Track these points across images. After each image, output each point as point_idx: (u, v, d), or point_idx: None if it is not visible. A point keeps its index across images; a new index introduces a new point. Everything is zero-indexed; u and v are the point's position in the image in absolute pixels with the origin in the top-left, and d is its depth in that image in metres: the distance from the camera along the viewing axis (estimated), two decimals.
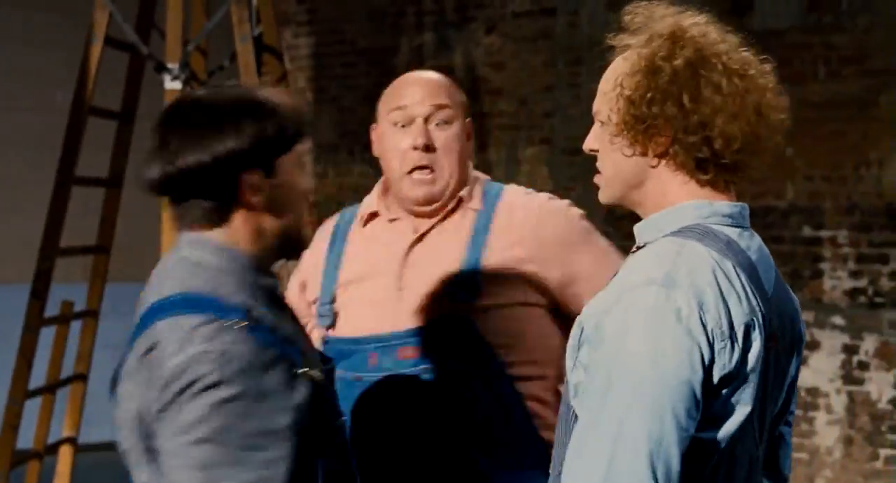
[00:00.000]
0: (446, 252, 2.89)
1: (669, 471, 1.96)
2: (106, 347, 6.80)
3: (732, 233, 2.17)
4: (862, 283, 7.36)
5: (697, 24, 2.31)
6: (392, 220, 2.98)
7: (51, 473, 6.70)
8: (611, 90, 2.24)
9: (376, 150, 3.01)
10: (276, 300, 2.33)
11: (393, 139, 2.91)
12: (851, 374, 7.39)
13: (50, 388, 6.34)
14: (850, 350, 7.41)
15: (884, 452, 7.28)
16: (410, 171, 2.89)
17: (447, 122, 2.92)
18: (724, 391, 2.05)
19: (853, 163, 7.32)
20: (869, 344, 7.34)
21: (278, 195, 2.28)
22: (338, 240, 3.01)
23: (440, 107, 2.91)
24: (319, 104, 9.63)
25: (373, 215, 3.02)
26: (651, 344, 1.98)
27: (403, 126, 2.90)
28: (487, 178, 3.07)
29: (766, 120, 2.21)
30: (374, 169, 9.25)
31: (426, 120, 2.89)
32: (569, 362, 2.14)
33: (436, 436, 2.82)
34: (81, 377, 6.59)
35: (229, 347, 2.11)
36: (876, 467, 7.32)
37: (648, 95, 2.16)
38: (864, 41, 7.30)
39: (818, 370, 7.45)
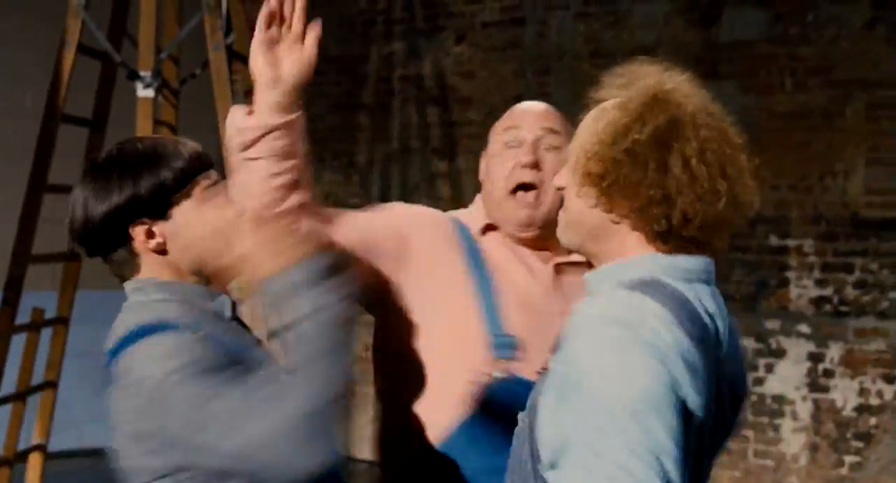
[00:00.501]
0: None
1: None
2: (76, 355, 6.81)
3: (687, 289, 2.10)
4: (827, 291, 7.43)
5: (680, 88, 2.22)
6: (515, 240, 2.88)
7: (21, 481, 6.70)
8: (583, 141, 2.18)
9: (482, 174, 2.94)
10: (221, 318, 2.42)
11: (501, 157, 2.85)
12: (817, 382, 7.46)
13: (20, 396, 6.33)
14: (815, 358, 7.47)
15: (849, 459, 7.36)
16: (514, 191, 2.79)
17: (556, 147, 2.82)
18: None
19: (819, 173, 7.40)
20: (834, 352, 7.41)
21: (180, 235, 2.38)
22: (475, 255, 2.86)
23: (551, 130, 2.84)
24: None
25: (488, 228, 2.90)
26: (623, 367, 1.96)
27: (513, 147, 2.84)
28: None
29: (736, 204, 2.14)
30: (343, 176, 9.32)
31: (536, 141, 2.82)
32: (545, 419, 2.08)
33: None
34: (51, 384, 6.60)
35: (183, 345, 2.21)
36: (841, 474, 7.38)
37: (615, 157, 2.10)
38: (830, 52, 7.39)
39: (784, 378, 7.52)
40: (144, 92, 5.99)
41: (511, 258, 2.84)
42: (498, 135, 2.92)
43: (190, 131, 8.22)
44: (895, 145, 7.23)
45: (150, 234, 2.35)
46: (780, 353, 7.54)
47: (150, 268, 2.39)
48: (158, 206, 2.35)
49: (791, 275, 7.52)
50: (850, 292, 7.36)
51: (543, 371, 2.18)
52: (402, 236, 2.78)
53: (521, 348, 2.66)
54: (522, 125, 2.86)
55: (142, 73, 6.00)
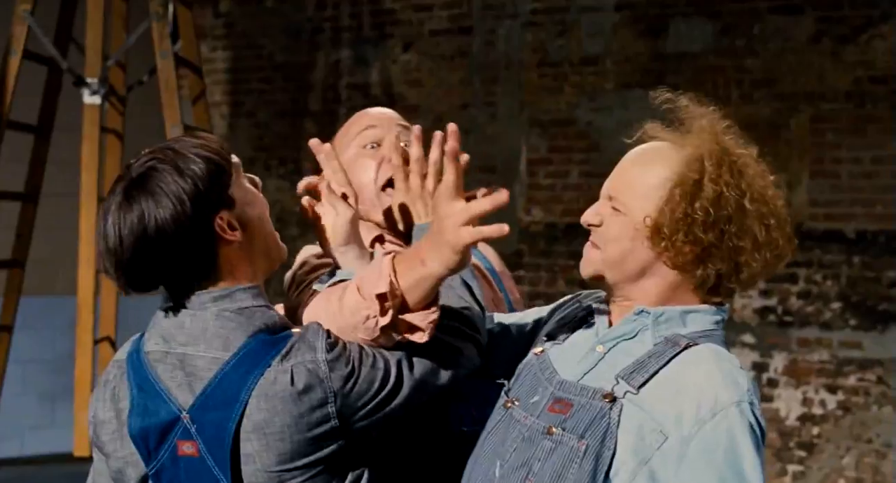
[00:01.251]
0: None
1: None
2: (18, 362, 6.76)
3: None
4: (772, 302, 7.57)
5: (733, 141, 2.37)
6: None
7: None
8: (653, 192, 2.27)
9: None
10: None
11: (361, 160, 2.86)
12: (761, 392, 7.57)
13: None
14: (759, 368, 7.62)
15: (791, 468, 7.52)
16: (384, 188, 2.86)
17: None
18: None
19: None
20: (778, 362, 7.57)
21: (247, 218, 2.31)
22: None
23: (405, 127, 2.91)
24: (236, 118, 9.68)
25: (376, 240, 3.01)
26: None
27: (373, 147, 2.86)
28: None
29: (781, 254, 2.31)
30: (290, 183, 9.29)
31: (397, 138, 2.87)
32: (629, 465, 2.17)
33: None
34: None
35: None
36: None
37: (689, 214, 2.22)
38: (775, 65, 7.54)
39: None
40: (91, 99, 6.00)
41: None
42: (352, 141, 2.88)
43: (137, 138, 8.27)
44: (839, 158, 7.40)
45: (230, 226, 2.26)
46: None
47: (229, 270, 2.29)
48: (221, 193, 2.25)
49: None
50: (794, 303, 7.51)
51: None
52: None
53: None
54: (379, 125, 2.88)
55: (89, 80, 5.99)
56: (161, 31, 5.89)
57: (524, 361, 2.44)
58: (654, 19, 7.93)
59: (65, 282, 8.97)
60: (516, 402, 2.34)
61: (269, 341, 2.23)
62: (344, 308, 2.26)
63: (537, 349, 2.43)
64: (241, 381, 2.19)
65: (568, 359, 2.35)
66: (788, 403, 7.52)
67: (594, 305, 2.44)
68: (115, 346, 6.60)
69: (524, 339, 2.56)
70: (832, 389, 7.43)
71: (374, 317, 2.20)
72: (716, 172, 2.25)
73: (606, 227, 2.32)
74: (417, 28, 8.90)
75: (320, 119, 9.35)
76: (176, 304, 2.28)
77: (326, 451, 2.23)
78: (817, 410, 7.47)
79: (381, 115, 2.92)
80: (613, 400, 2.19)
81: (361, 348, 2.24)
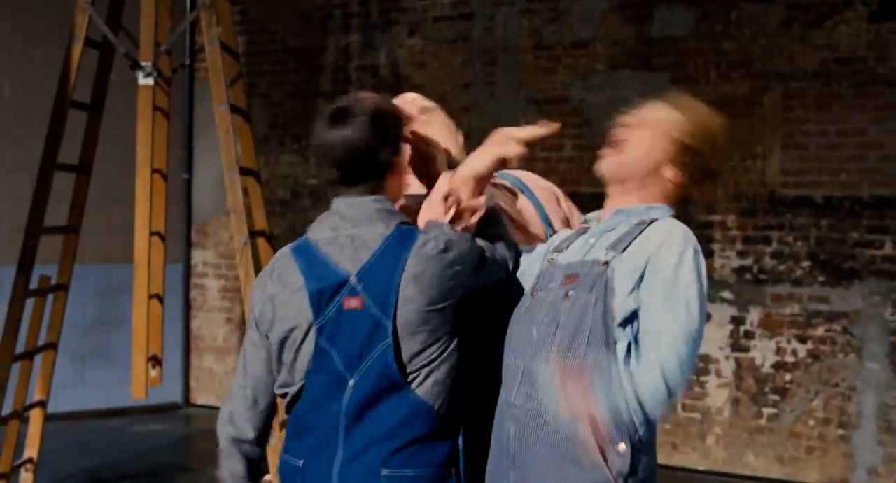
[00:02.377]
0: None
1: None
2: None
3: None
4: (748, 261, 8.20)
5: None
6: None
7: (22, 436, 7.26)
8: (674, 123, 3.21)
9: None
10: None
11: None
12: (738, 343, 8.24)
13: (29, 354, 6.94)
14: (737, 321, 8.24)
15: (766, 411, 8.14)
16: None
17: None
18: None
19: (740, 156, 8.16)
20: (754, 315, 8.19)
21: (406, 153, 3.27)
22: None
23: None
24: (251, 98, 9.94)
25: None
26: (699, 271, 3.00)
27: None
28: None
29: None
30: (302, 159, 9.92)
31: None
32: (626, 296, 2.98)
33: None
34: (52, 346, 7.17)
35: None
36: (760, 424, 8.17)
37: (699, 146, 3.19)
38: (750, 48, 8.15)
39: (709, 339, 8.24)
40: (145, 80, 6.62)
41: None
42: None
43: (177, 115, 8.94)
44: (807, 131, 7.99)
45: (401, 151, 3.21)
46: (706, 318, 8.27)
47: (385, 187, 3.15)
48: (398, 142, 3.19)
49: (715, 247, 8.28)
50: (768, 262, 8.14)
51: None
52: None
53: None
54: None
55: (143, 64, 6.63)
56: (209, 19, 6.50)
57: (540, 270, 3.24)
58: (640, 6, 8.53)
59: (93, 250, 9.61)
60: (539, 291, 3.14)
61: (410, 229, 3.10)
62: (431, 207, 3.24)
63: (549, 257, 3.23)
64: (402, 247, 3.02)
65: (570, 254, 3.17)
66: (763, 353, 8.14)
67: (587, 217, 3.34)
68: (162, 301, 7.26)
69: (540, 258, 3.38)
70: (802, 340, 8.02)
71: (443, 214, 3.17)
72: (702, 135, 3.22)
73: (635, 136, 3.18)
74: (422, 15, 9.46)
75: (331, 98, 9.73)
76: (346, 205, 3.12)
77: (453, 300, 3.04)
78: (789, 359, 8.07)
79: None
80: (606, 263, 3.00)
81: (464, 234, 3.10)
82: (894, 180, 7.77)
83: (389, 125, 3.12)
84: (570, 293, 3.03)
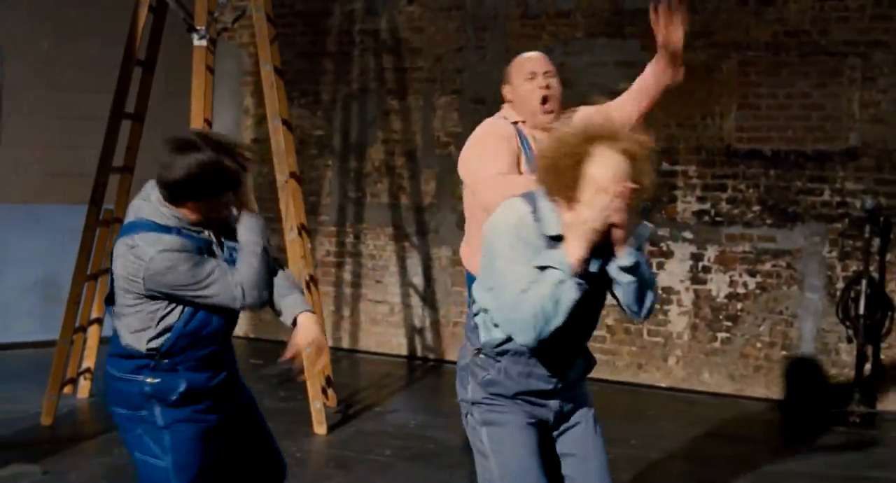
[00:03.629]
0: None
1: None
2: None
3: None
4: (706, 206, 9.27)
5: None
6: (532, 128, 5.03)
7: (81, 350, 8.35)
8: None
9: (510, 95, 5.11)
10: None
11: (527, 84, 5.03)
12: (697, 276, 9.34)
13: (94, 277, 8.01)
14: (696, 257, 9.33)
15: (720, 335, 9.25)
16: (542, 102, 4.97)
17: (553, 75, 5.09)
18: None
19: (700, 114, 9.23)
20: (711, 252, 9.27)
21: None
22: (522, 137, 4.99)
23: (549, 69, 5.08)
24: None
25: (521, 122, 5.06)
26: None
27: (530, 79, 5.00)
28: None
29: None
30: (310, 112, 10.90)
31: (544, 74, 5.03)
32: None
33: None
34: (108, 271, 8.24)
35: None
36: (715, 347, 9.29)
37: None
38: (711, 20, 9.19)
39: (672, 273, 9.40)
40: (200, 42, 7.70)
41: (534, 133, 4.99)
42: (518, 73, 5.09)
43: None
44: (759, 94, 9.04)
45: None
46: (668, 255, 9.41)
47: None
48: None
49: (678, 193, 9.37)
50: (724, 207, 9.21)
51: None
52: (514, 150, 4.92)
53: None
54: (533, 66, 5.07)
55: (198, 27, 7.70)
56: None
57: None
58: None
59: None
60: None
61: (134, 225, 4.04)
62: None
63: None
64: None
65: None
66: (718, 285, 9.22)
67: None
68: None
69: None
70: (752, 274, 9.10)
71: None
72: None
73: None
74: None
75: (336, 58, 10.83)
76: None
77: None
78: (741, 290, 9.14)
79: (533, 60, 5.10)
80: None
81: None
82: (833, 137, 8.81)
83: (205, 180, 3.90)
84: None
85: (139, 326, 4.02)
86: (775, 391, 9.07)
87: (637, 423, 8.27)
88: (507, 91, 5.13)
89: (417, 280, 10.54)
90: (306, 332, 4.18)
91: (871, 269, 8.61)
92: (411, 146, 10.53)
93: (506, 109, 5.12)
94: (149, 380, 4.11)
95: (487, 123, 5.08)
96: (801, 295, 8.99)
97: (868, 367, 8.75)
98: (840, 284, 8.84)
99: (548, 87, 5.01)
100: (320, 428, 7.67)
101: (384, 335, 10.75)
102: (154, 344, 4.05)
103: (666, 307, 9.43)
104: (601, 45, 9.62)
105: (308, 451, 7.38)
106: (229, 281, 4.01)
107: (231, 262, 4.10)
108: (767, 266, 9.09)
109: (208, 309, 4.05)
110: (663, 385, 9.48)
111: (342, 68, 10.82)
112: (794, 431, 8.38)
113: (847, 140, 8.82)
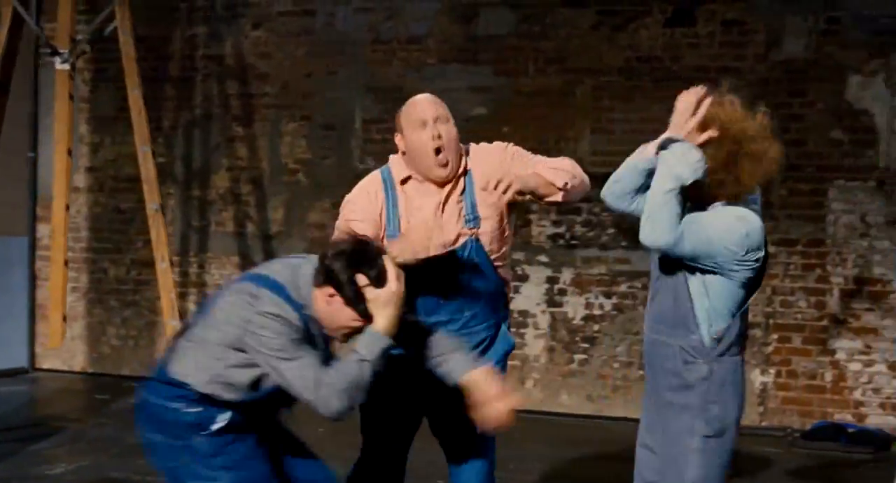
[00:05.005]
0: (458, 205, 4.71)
1: None
2: None
3: None
4: (561, 229, 9.40)
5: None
6: (421, 182, 4.67)
7: None
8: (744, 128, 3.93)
9: (402, 146, 4.65)
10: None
11: (417, 134, 4.56)
12: (553, 299, 9.44)
13: None
14: (552, 281, 9.43)
15: (577, 357, 9.37)
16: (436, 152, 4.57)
17: (446, 120, 4.63)
18: None
19: (555, 138, 9.34)
20: (566, 275, 9.39)
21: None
22: (390, 193, 4.64)
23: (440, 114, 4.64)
24: (99, 82, 10.78)
25: (407, 178, 4.69)
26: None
27: (420, 127, 4.58)
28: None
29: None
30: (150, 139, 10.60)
31: (435, 121, 4.59)
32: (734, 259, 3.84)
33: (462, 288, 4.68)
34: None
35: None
36: (572, 368, 9.39)
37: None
38: (565, 46, 9.36)
39: (528, 296, 9.47)
40: (62, 66, 7.47)
41: (421, 191, 4.67)
42: (407, 122, 4.64)
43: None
44: (613, 118, 9.23)
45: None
46: (524, 278, 9.48)
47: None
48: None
49: (533, 217, 9.45)
50: (579, 229, 9.35)
51: None
52: (375, 219, 4.64)
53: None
54: (422, 113, 4.64)
55: (61, 51, 7.46)
56: (123, 14, 7.41)
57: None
58: (467, 7, 9.63)
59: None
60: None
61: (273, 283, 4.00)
62: None
63: None
64: None
65: None
66: (574, 308, 9.34)
67: None
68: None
69: None
70: (608, 295, 9.26)
71: None
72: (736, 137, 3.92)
73: None
74: (266, 9, 10.27)
75: (177, 84, 10.59)
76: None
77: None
78: (597, 312, 9.28)
79: (423, 105, 4.66)
80: None
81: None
82: None
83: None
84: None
85: (206, 364, 3.91)
86: (633, 410, 9.12)
87: (507, 448, 8.21)
88: (398, 140, 4.69)
89: None
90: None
91: None
92: (257, 173, 10.38)
93: (394, 161, 4.76)
94: (191, 410, 3.96)
95: (368, 176, 4.84)
96: None
97: None
98: None
99: (440, 136, 4.56)
100: None
101: None
102: (212, 390, 3.93)
103: (522, 330, 9.47)
104: (454, 70, 9.68)
105: None
106: (314, 374, 3.80)
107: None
108: (623, 287, 9.24)
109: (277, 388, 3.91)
110: (520, 408, 9.40)
111: (184, 94, 10.60)
112: None
113: None
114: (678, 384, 3.96)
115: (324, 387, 3.77)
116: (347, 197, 4.73)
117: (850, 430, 8.45)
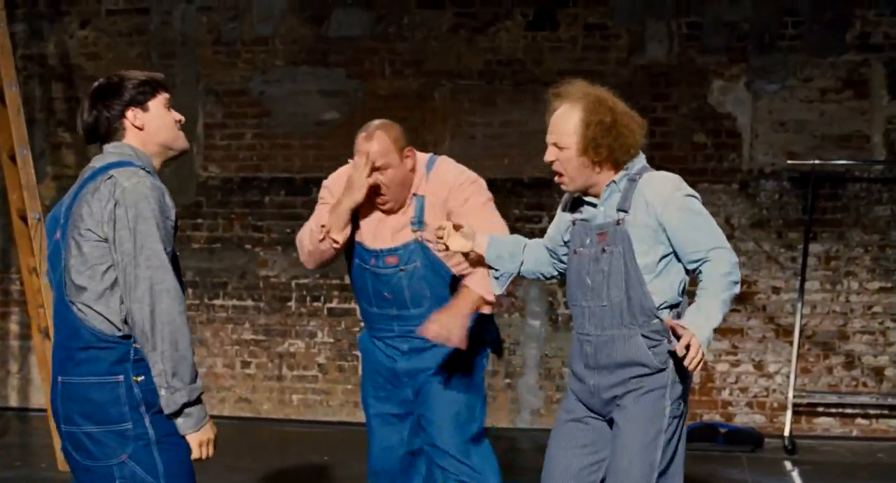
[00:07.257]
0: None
1: None
2: None
3: None
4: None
5: (608, 94, 4.18)
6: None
7: None
8: (573, 132, 4.07)
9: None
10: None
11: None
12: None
13: None
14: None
15: None
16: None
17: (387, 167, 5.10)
18: None
19: (414, 143, 8.96)
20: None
21: (150, 120, 3.71)
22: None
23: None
24: None
25: None
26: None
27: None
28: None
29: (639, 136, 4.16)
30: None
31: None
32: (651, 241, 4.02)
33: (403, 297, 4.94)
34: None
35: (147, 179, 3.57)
36: None
37: (594, 136, 4.03)
38: (422, 49, 9.16)
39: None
40: None
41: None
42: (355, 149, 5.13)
43: None
44: (474, 122, 9.09)
45: (134, 116, 3.66)
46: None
47: (129, 136, 3.67)
48: (143, 101, 3.67)
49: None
50: None
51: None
52: None
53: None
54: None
55: None
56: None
57: (569, 230, 4.25)
58: (317, 7, 9.28)
59: None
60: (579, 249, 4.13)
61: (110, 166, 3.65)
62: None
63: (571, 219, 4.25)
64: (83, 183, 3.70)
65: (591, 217, 4.16)
66: None
67: (579, 196, 4.24)
68: None
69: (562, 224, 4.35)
70: None
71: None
72: (597, 112, 4.05)
73: (561, 161, 4.11)
74: (94, 7, 9.65)
75: None
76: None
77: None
78: None
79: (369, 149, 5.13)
80: (619, 222, 4.03)
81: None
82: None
83: (107, 95, 3.67)
84: (605, 248, 4.06)
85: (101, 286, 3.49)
86: (500, 420, 8.98)
87: None
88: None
89: None
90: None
91: None
92: None
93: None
94: (134, 379, 3.42)
95: (349, 163, 5.19)
96: (522, 322, 9.06)
97: None
98: (562, 310, 8.93)
99: (379, 188, 5.00)
100: None
101: None
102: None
103: None
104: (303, 73, 9.33)
105: None
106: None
107: None
108: None
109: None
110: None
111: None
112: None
113: None
114: (648, 372, 4.08)
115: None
116: (324, 182, 5.20)
117: (723, 430, 8.52)
